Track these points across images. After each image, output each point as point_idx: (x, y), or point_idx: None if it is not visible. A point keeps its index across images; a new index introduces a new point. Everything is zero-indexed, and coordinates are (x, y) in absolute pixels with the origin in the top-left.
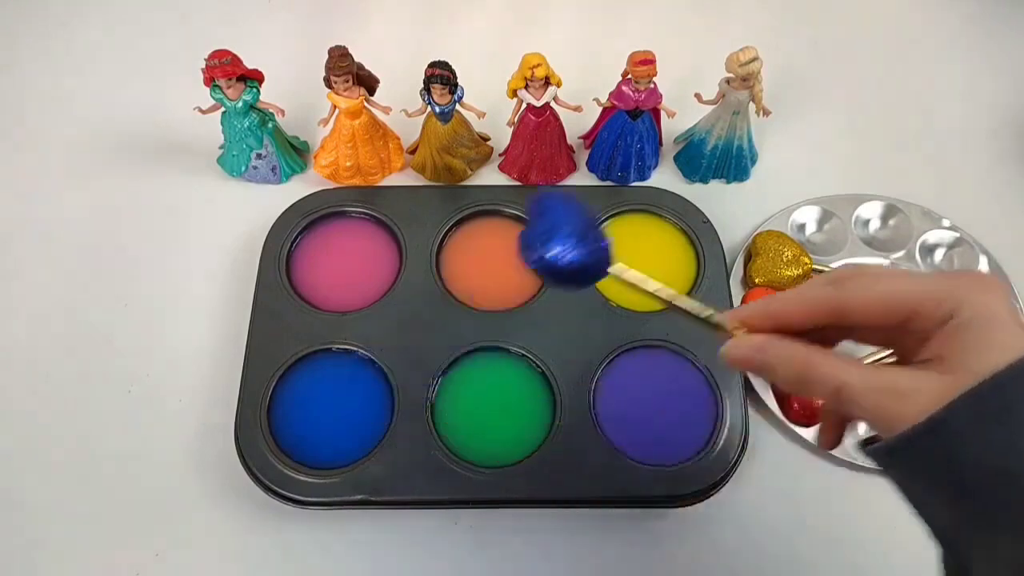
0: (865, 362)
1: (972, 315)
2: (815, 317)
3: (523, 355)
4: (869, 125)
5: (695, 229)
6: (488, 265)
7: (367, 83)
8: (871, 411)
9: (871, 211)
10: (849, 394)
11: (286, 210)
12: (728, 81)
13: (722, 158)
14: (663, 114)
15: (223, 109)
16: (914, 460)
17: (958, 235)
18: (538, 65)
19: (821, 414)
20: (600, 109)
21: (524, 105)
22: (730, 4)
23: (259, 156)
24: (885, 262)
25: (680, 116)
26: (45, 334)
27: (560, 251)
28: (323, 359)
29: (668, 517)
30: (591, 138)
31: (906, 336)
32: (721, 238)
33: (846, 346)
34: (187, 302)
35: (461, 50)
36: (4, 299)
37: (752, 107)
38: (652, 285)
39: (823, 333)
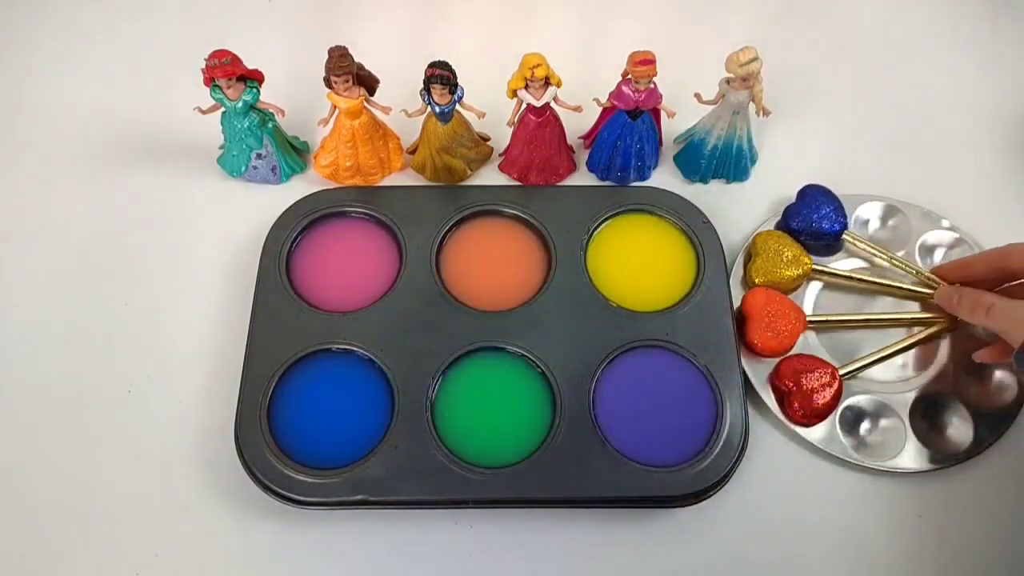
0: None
1: None
2: (990, 265)
3: (523, 355)
4: (869, 125)
5: (695, 229)
6: (488, 265)
7: (367, 83)
8: (1003, 328)
9: (870, 211)
10: (994, 312)
11: (286, 210)
12: (728, 81)
13: (722, 158)
14: (663, 114)
15: (223, 109)
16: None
17: (957, 235)
18: (538, 65)
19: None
20: (600, 109)
21: (524, 105)
22: (730, 4)
23: (259, 156)
24: (884, 264)
25: (680, 116)
26: (45, 334)
27: None
28: (323, 359)
29: (668, 517)
30: (591, 138)
31: None
32: (721, 238)
33: None
34: (187, 302)
35: (461, 50)
36: (4, 299)
37: (752, 107)
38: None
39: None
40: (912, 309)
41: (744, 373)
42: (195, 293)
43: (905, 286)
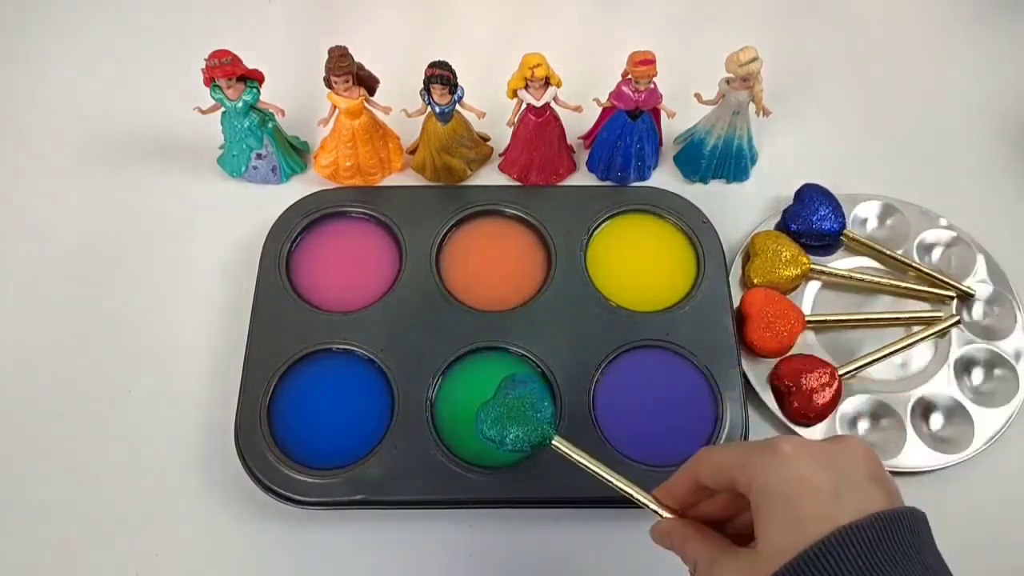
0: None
1: (765, 487)
2: (690, 489)
3: (523, 355)
4: (868, 125)
5: (695, 229)
6: (488, 265)
7: (367, 83)
8: None
9: (868, 210)
10: (698, 573)
11: (286, 210)
12: (728, 81)
13: (722, 158)
14: (663, 114)
15: (223, 109)
16: None
17: (955, 234)
18: (538, 65)
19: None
20: (600, 109)
21: (524, 105)
22: (730, 4)
23: (259, 156)
24: (883, 264)
25: (680, 116)
26: (45, 334)
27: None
28: (323, 359)
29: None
30: (591, 138)
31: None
32: (721, 238)
33: None
34: (187, 302)
35: (461, 50)
36: (4, 299)
37: (752, 107)
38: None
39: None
40: (911, 308)
41: (744, 373)
42: (195, 293)
43: (904, 284)
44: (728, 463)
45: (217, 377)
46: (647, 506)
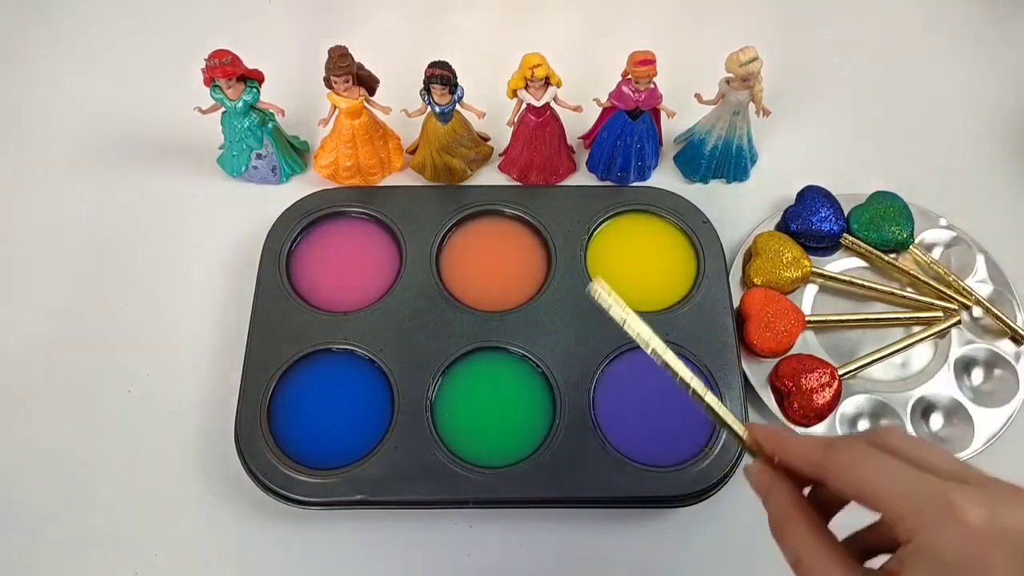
0: None
1: (924, 548)
2: (804, 472)
3: (523, 355)
4: (868, 125)
5: (695, 229)
6: (488, 265)
7: (367, 83)
8: None
9: None
10: (800, 570)
11: (286, 210)
12: (728, 81)
13: (722, 158)
14: (663, 114)
15: (223, 109)
16: None
17: (955, 234)
18: (538, 65)
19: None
20: (600, 109)
21: (524, 105)
22: (730, 4)
23: (259, 156)
24: (859, 263)
25: (680, 116)
26: (45, 334)
27: None
28: (323, 359)
29: (668, 517)
30: (591, 138)
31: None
32: (721, 238)
33: None
34: (187, 302)
35: (461, 50)
36: (3, 299)
37: (752, 107)
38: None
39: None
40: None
41: (744, 373)
42: (195, 293)
43: (900, 293)
44: (889, 498)
45: (217, 377)
46: (735, 432)
